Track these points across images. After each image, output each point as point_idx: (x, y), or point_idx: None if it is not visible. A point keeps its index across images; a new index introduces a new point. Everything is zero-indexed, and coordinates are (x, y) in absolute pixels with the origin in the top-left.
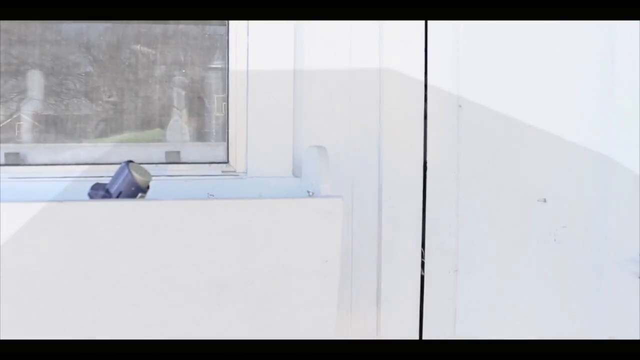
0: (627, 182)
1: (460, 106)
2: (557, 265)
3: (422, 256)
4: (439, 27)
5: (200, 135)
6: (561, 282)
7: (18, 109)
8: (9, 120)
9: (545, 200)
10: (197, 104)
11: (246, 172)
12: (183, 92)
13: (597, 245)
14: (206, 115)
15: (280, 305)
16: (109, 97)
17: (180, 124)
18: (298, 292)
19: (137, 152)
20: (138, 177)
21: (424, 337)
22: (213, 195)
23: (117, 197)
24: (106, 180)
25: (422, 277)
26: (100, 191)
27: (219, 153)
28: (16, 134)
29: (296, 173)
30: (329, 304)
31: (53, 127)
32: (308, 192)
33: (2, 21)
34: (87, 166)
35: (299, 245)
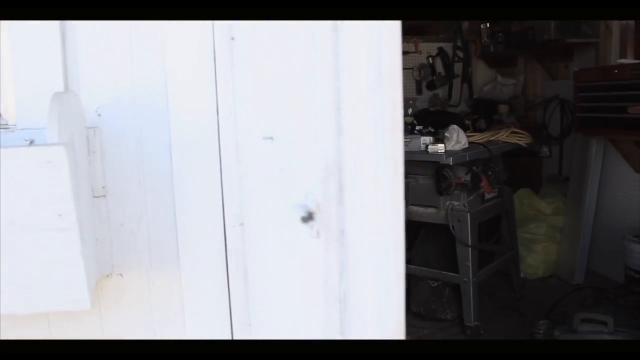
0: None
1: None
2: None
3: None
4: None
5: None
6: None
7: None
8: None
9: None
10: None
11: (16, 125)
12: None
13: None
14: None
15: (22, 264)
16: None
17: None
18: (36, 248)
19: None
20: None
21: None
22: None
23: None
24: None
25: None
26: None
27: None
28: None
29: None
30: (74, 261)
31: None
32: (26, 140)
33: None
34: None
35: (25, 199)
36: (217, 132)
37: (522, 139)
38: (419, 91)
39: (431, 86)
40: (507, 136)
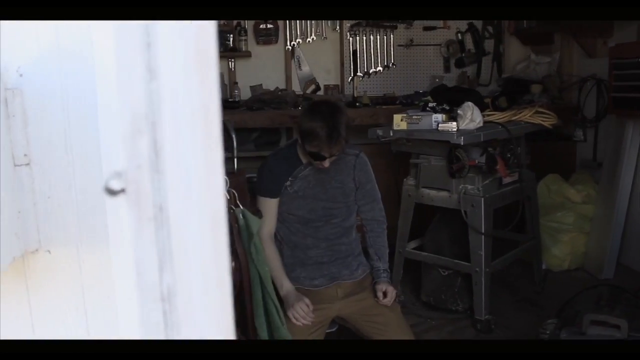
0: None
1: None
2: None
3: None
4: None
5: None
6: None
7: None
8: None
9: None
10: None
11: None
12: None
13: None
14: None
15: None
16: None
17: None
18: None
19: None
20: None
21: None
22: None
23: None
24: None
25: None
26: None
27: None
28: None
29: None
30: None
31: None
32: None
33: None
34: None
35: None
36: None
37: (547, 120)
38: (446, 69)
39: (460, 64)
40: (530, 116)
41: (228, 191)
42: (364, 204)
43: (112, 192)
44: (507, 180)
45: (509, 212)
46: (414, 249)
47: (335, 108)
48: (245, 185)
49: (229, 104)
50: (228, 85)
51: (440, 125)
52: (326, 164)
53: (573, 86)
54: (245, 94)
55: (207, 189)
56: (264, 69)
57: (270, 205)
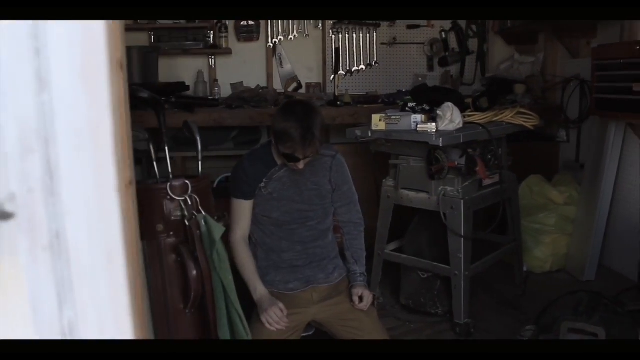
0: None
1: None
2: None
3: None
4: None
5: None
6: None
7: None
8: None
9: None
10: None
11: None
12: None
13: None
14: None
15: None
16: None
17: None
18: None
19: None
20: None
21: None
22: None
23: None
24: None
25: None
26: None
27: None
28: None
29: None
30: None
31: None
32: None
33: None
34: None
35: None
36: None
37: (528, 121)
38: (430, 68)
39: (443, 63)
40: (511, 117)
41: (190, 197)
42: (340, 205)
43: (3, 217)
44: (487, 182)
45: (490, 213)
46: (393, 250)
47: (310, 109)
48: (210, 189)
49: (208, 102)
50: (208, 82)
51: (419, 125)
52: (300, 165)
53: (556, 86)
54: (225, 91)
55: (100, 214)
56: (245, 66)
57: (244, 208)
